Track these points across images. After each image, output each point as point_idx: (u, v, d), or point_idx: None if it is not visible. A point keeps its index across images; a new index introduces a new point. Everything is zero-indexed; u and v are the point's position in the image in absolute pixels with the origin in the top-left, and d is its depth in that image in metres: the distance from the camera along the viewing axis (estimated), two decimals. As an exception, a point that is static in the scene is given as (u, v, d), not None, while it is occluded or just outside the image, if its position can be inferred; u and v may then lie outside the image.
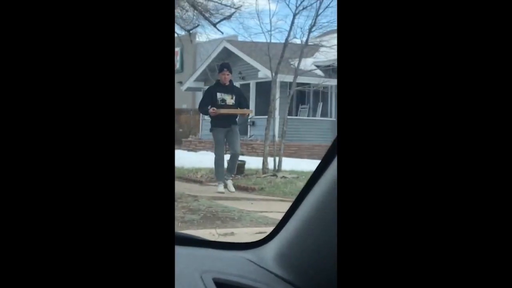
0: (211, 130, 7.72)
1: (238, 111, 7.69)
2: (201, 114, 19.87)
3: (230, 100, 7.61)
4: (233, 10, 10.63)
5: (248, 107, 8.03)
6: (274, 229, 1.01)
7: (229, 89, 7.72)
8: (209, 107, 7.48)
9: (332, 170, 0.82)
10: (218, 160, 7.59)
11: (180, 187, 7.63)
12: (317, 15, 10.68)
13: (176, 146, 13.11)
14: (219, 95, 7.60)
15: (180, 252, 0.80)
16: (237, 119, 7.72)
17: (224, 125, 7.46)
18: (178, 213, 5.55)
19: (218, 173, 7.68)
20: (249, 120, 17.04)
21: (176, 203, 5.88)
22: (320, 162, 0.87)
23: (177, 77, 18.86)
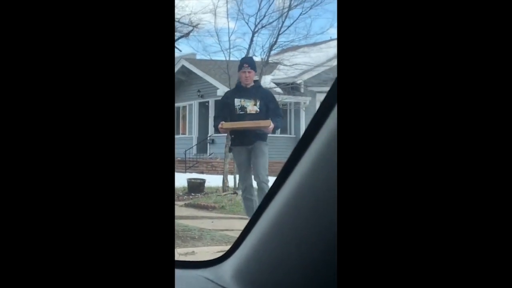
0: (230, 150, 5.71)
1: (254, 123, 5.21)
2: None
3: (252, 107, 5.30)
4: (190, 28, 10.65)
5: (280, 115, 5.46)
6: (232, 246, 1.00)
7: (252, 92, 5.34)
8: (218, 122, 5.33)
9: (289, 185, 0.81)
10: (245, 192, 5.43)
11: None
12: (278, 34, 10.82)
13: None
14: (237, 101, 5.31)
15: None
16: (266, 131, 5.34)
17: (245, 141, 5.24)
18: (137, 233, 5.44)
19: (248, 209, 5.37)
20: (208, 138, 16.99)
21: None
22: (277, 177, 0.86)
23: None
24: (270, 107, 5.33)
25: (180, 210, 8.12)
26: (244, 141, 5.24)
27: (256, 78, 5.52)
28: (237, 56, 12.74)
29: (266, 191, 4.58)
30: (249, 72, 5.35)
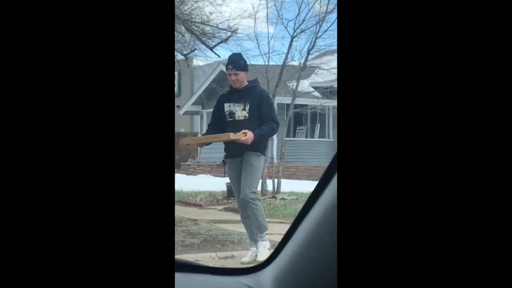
0: (224, 163, 4.78)
1: (213, 137, 4.51)
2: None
3: (240, 112, 4.49)
4: (229, 33, 10.69)
5: (274, 120, 4.51)
6: (272, 253, 1.00)
7: (242, 94, 4.52)
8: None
9: (330, 191, 0.81)
10: (240, 209, 4.63)
11: (179, 211, 7.59)
12: (316, 38, 10.75)
13: (175, 170, 13.05)
14: (226, 106, 4.55)
15: (179, 278, 0.79)
16: (261, 142, 4.47)
17: (235, 153, 4.50)
18: (178, 237, 5.51)
19: (247, 229, 4.63)
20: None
21: (176, 227, 5.85)
22: (318, 184, 0.86)
23: (175, 101, 18.94)
24: (263, 111, 4.45)
25: (219, 214, 8.14)
26: (234, 153, 4.50)
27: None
28: (275, 60, 12.72)
29: (252, 209, 3.90)
30: (235, 74, 4.48)
